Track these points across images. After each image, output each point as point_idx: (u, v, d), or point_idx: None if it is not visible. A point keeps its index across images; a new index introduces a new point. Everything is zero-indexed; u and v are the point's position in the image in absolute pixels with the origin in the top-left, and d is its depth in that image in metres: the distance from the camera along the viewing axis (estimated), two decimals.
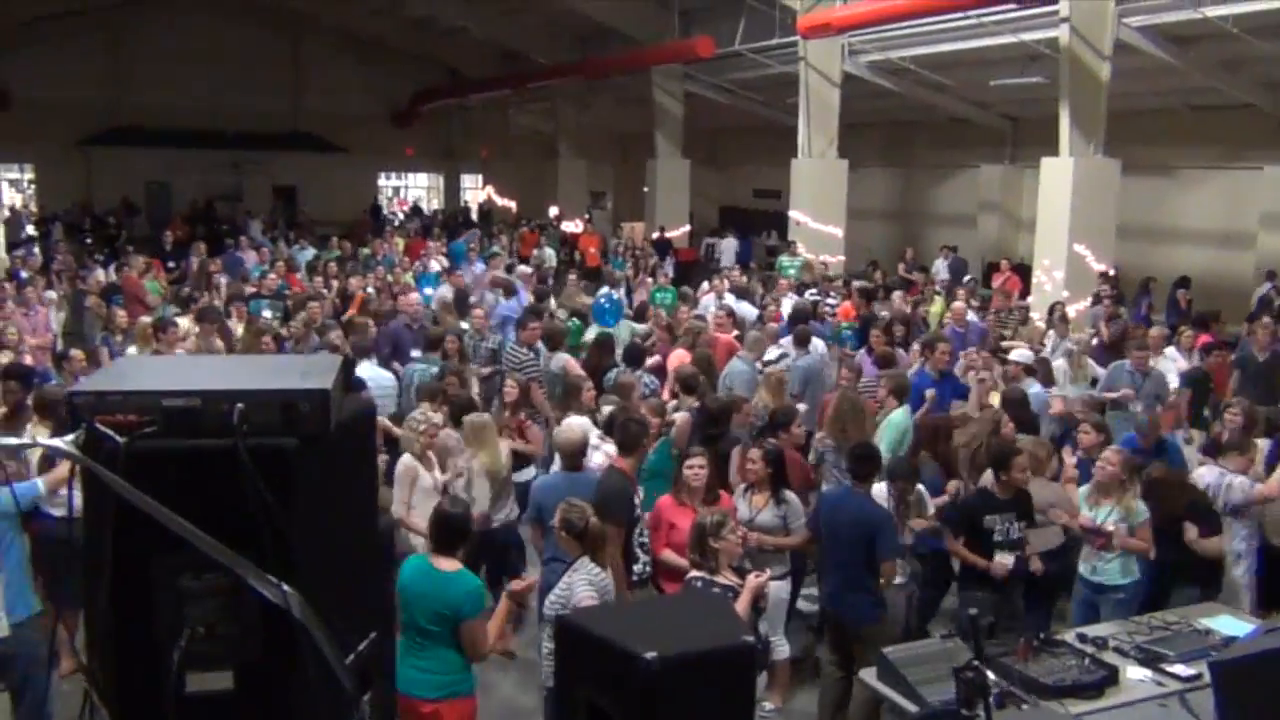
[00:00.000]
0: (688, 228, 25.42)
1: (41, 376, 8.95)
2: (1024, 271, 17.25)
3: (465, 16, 27.64)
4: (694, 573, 5.03)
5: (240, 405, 2.00)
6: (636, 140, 28.70)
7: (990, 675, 4.69)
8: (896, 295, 13.95)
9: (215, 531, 1.98)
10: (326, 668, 2.14)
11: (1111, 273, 15.38)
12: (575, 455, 6.21)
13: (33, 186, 35.18)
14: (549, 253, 21.08)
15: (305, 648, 2.08)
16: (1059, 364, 10.32)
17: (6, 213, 31.48)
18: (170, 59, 32.18)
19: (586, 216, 28.25)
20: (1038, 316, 13.84)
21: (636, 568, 5.83)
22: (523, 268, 16.47)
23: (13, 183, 35.87)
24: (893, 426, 7.81)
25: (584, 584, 4.89)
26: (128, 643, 2.06)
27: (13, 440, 1.91)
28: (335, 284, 14.38)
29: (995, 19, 16.15)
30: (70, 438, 1.96)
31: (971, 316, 12.17)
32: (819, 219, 19.22)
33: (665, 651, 2.62)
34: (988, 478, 6.62)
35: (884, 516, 5.98)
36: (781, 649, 6.19)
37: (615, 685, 2.67)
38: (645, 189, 26.44)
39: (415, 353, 10.22)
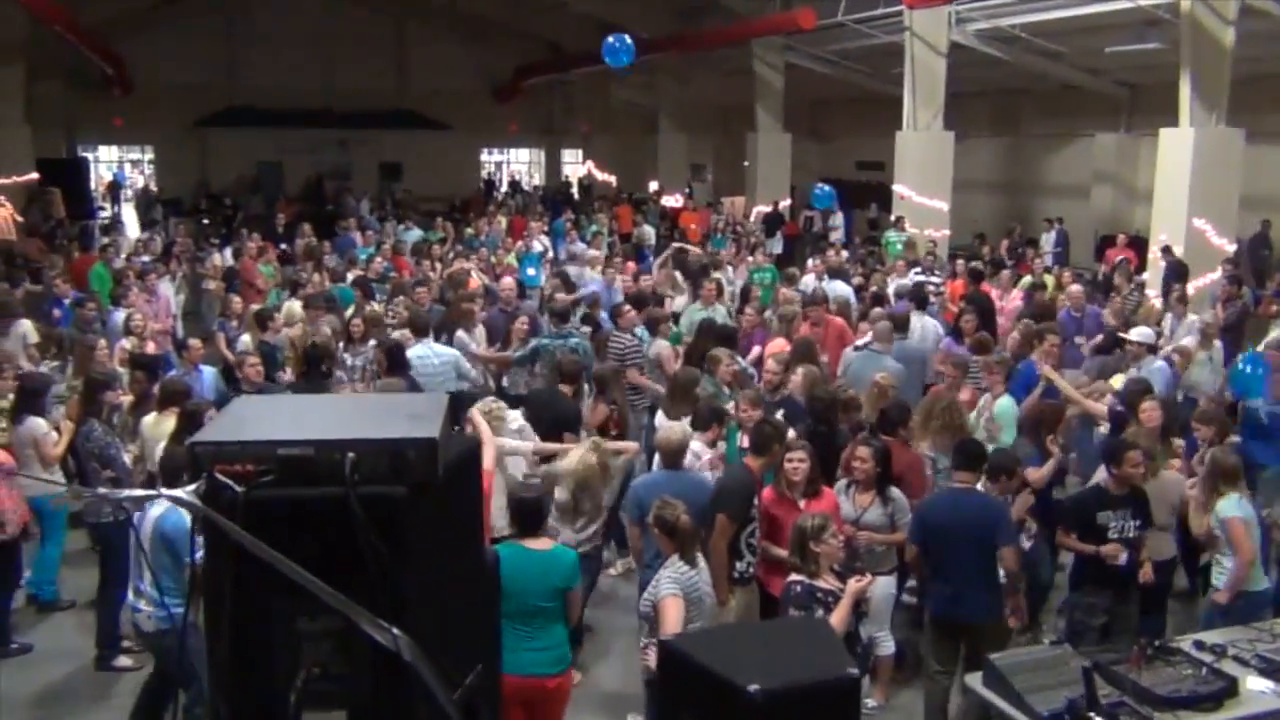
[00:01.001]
0: (789, 201, 25.14)
1: (166, 364, 9.32)
2: (1140, 245, 16.66)
3: None
4: (794, 576, 5.01)
5: (351, 455, 2.06)
6: (737, 113, 28.44)
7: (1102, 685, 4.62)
8: (1005, 274, 13.56)
9: (328, 576, 2.04)
10: (436, 706, 2.19)
11: (1232, 249, 14.76)
12: (675, 455, 6.22)
13: (153, 167, 36.50)
14: (648, 230, 21.03)
15: (415, 688, 2.13)
16: (1187, 343, 9.97)
17: (129, 194, 32.80)
18: (281, 41, 33.02)
19: (687, 191, 28.13)
20: (1154, 294, 13.38)
21: (740, 565, 5.83)
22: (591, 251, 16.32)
23: (134, 164, 37.25)
24: (1002, 417, 7.64)
25: (669, 581, 4.94)
26: (247, 682, 2.14)
27: (139, 493, 2.00)
28: (440, 266, 14.56)
29: None
30: (192, 488, 2.04)
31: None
32: (924, 193, 18.84)
33: (769, 684, 2.61)
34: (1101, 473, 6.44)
35: (1000, 505, 5.90)
36: (886, 645, 6.15)
37: (718, 716, 2.68)
38: (746, 163, 26.21)
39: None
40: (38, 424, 7.27)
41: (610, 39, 15.71)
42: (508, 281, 11.46)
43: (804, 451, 6.03)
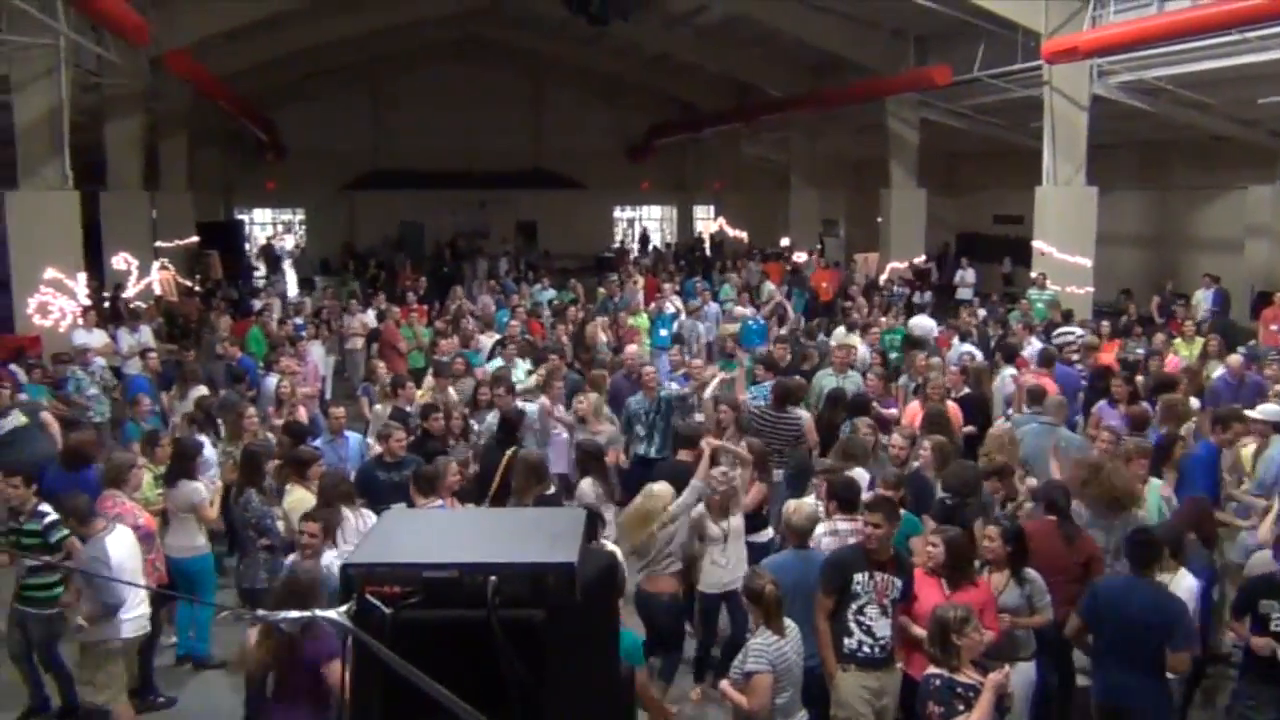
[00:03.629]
0: (923, 258, 24.78)
1: (315, 431, 9.67)
2: None
3: (699, 52, 28.11)
4: (932, 669, 4.88)
5: (493, 579, 2.13)
6: (870, 167, 28.28)
7: None
8: (1159, 337, 13.02)
9: (470, 696, 2.10)
10: None
11: None
12: (804, 536, 6.17)
13: (304, 229, 38.25)
14: (770, 287, 20.77)
15: None
16: None
17: (286, 256, 34.33)
18: (423, 106, 34.46)
19: (818, 247, 27.98)
20: None
21: (849, 642, 5.70)
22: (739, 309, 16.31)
23: (286, 225, 39.08)
24: (1152, 501, 7.30)
25: (757, 655, 5.10)
26: None
27: (294, 614, 2.12)
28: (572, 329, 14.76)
29: (1259, 34, 14.96)
30: (344, 609, 2.14)
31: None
32: (1065, 249, 18.30)
33: None
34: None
35: (1181, 608, 5.65)
36: None
37: None
38: (879, 219, 25.97)
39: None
40: (196, 488, 7.63)
41: None
42: (632, 349, 11.52)
43: (938, 537, 5.88)
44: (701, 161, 37.83)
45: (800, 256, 26.26)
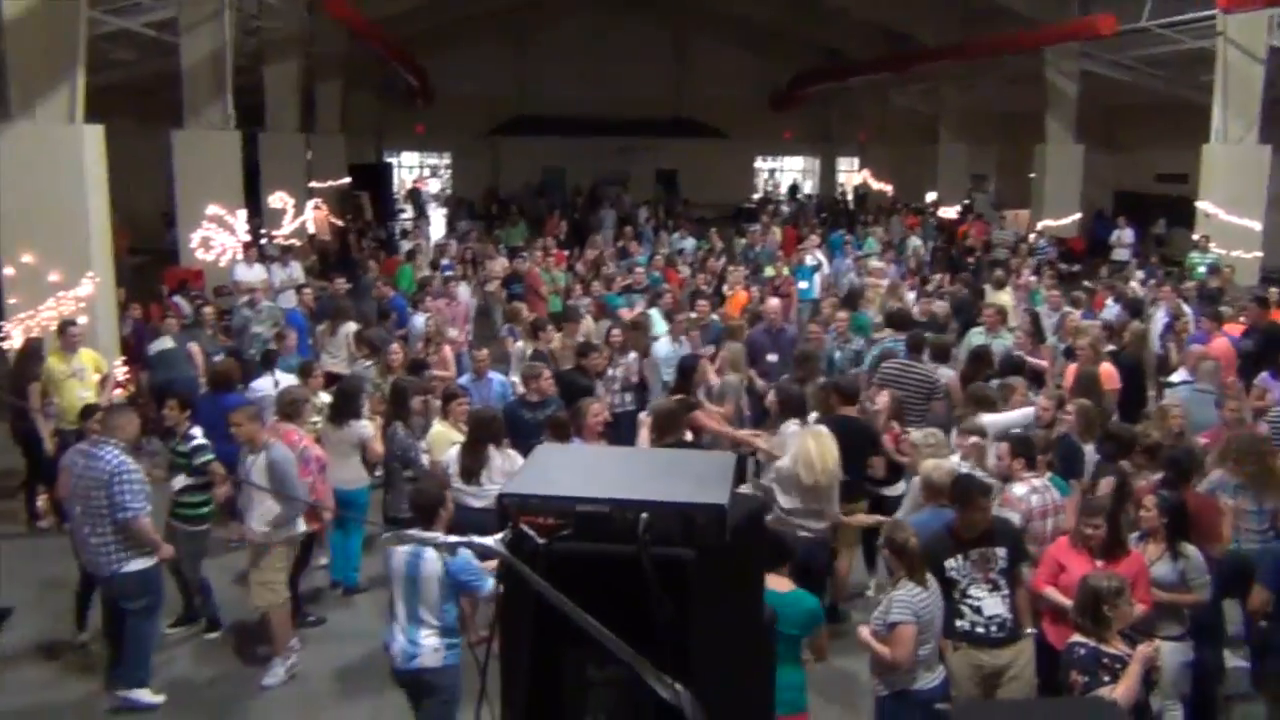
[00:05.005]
0: (1078, 215, 23.81)
1: (460, 370, 9.92)
2: None
3: None
4: (1077, 637, 4.74)
5: (645, 516, 2.14)
6: (1024, 121, 27.17)
7: None
8: None
9: (617, 629, 2.13)
10: None
11: None
12: (942, 493, 6.04)
13: (449, 172, 39.04)
14: (915, 242, 20.30)
15: None
16: None
17: (432, 198, 35.05)
18: (568, 53, 34.59)
19: (966, 201, 27.17)
20: None
21: (960, 624, 5.51)
22: (875, 262, 15.91)
23: (433, 169, 39.95)
24: None
25: (901, 605, 5.06)
26: None
27: (452, 539, 2.17)
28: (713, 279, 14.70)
29: None
30: (499, 537, 2.18)
31: None
32: (1233, 211, 17.33)
33: None
34: None
35: None
36: (1176, 718, 5.71)
37: None
38: (1032, 174, 25.02)
39: (771, 358, 10.24)
40: (364, 426, 7.97)
41: None
42: (773, 303, 11.36)
43: (1100, 517, 5.67)
44: (847, 112, 37.02)
45: (948, 211, 25.58)
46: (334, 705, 6.74)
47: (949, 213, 26.84)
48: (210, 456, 7.20)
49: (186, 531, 7.28)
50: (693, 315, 11.03)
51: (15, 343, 10.54)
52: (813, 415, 8.31)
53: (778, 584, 4.92)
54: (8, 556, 8.53)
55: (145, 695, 6.58)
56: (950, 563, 5.53)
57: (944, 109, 29.37)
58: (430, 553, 5.23)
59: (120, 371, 10.79)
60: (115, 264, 11.81)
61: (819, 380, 8.83)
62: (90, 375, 9.64)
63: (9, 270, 10.77)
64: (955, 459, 6.67)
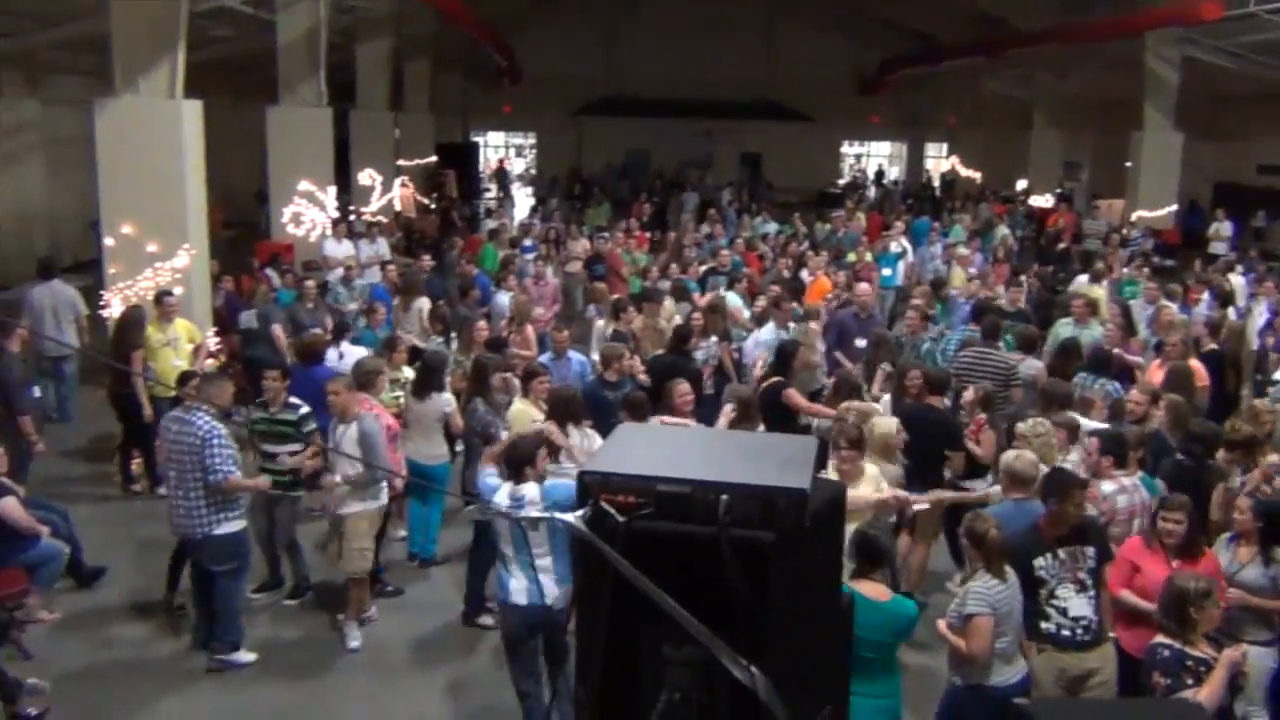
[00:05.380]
0: (1174, 206, 23.11)
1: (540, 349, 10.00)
2: None
3: None
4: (1160, 639, 4.63)
5: (725, 497, 2.15)
6: (1121, 108, 26.41)
7: None
8: None
9: (695, 609, 2.15)
10: None
11: None
12: (1026, 485, 5.93)
13: (534, 152, 39.33)
14: (1003, 231, 19.88)
15: None
16: None
17: (514, 176, 35.31)
18: (655, 34, 34.54)
19: (1058, 190, 26.54)
20: None
21: (1046, 626, 5.33)
22: (962, 250, 15.60)
23: (518, 149, 40.28)
24: None
25: (977, 597, 4.97)
26: (613, 696, 2.30)
27: (535, 514, 2.19)
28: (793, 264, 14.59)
29: None
30: (580, 513, 2.21)
31: None
32: None
33: None
34: None
35: None
36: None
37: None
38: (1128, 163, 24.33)
39: (860, 343, 10.14)
40: (446, 399, 8.11)
41: None
42: (864, 287, 11.23)
43: (1183, 512, 5.52)
44: (936, 97, 36.40)
45: (1038, 200, 25.02)
46: (409, 673, 6.88)
47: (1040, 201, 26.23)
48: (315, 425, 7.42)
49: (281, 498, 7.51)
50: (795, 306, 10.95)
51: (114, 311, 10.90)
52: (885, 399, 8.24)
53: (876, 591, 4.77)
54: (102, 518, 8.85)
55: (240, 655, 6.80)
56: (1040, 561, 5.35)
57: (1038, 95, 28.68)
58: (528, 490, 5.54)
59: (212, 341, 11.09)
60: (210, 237, 12.11)
61: (884, 365, 8.84)
62: (184, 344, 9.93)
63: (109, 241, 11.11)
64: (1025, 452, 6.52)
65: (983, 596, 4.98)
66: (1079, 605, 5.33)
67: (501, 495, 5.64)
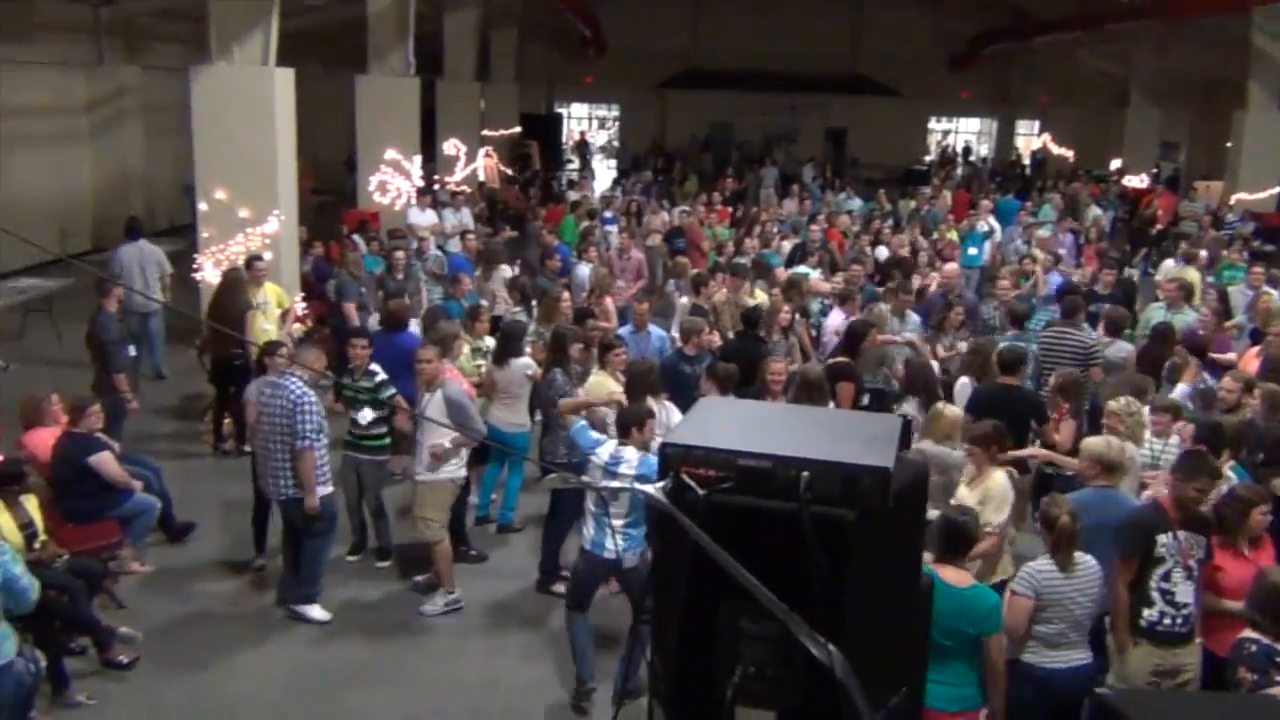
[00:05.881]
0: (1276, 189, 22.28)
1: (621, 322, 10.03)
2: None
3: None
4: (1248, 633, 4.51)
5: (806, 474, 2.13)
6: (1223, 87, 25.50)
7: None
8: None
9: (773, 584, 2.14)
10: None
11: None
12: (1111, 471, 5.79)
13: (616, 124, 39.28)
14: (1096, 211, 19.35)
15: (843, 704, 2.19)
16: None
17: (596, 149, 35.29)
18: (742, 6, 34.11)
19: (1154, 171, 25.76)
20: None
21: (1148, 613, 5.20)
22: (1042, 232, 15.19)
23: (600, 121, 40.27)
24: None
25: (1025, 579, 4.99)
26: (689, 669, 2.31)
27: (613, 484, 2.20)
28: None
29: None
30: (659, 486, 2.22)
31: None
32: None
33: None
34: None
35: None
36: None
37: None
38: (1229, 144, 23.52)
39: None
40: (526, 362, 8.21)
41: None
42: (951, 267, 11.04)
43: (1268, 505, 5.36)
44: (1029, 72, 35.44)
45: (1133, 180, 24.31)
46: (487, 635, 7.01)
47: (1135, 181, 25.49)
48: (394, 391, 7.59)
49: (370, 461, 7.71)
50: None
51: (207, 275, 11.18)
52: (963, 380, 8.09)
53: (957, 578, 4.72)
54: (192, 476, 9.12)
55: (315, 610, 6.99)
56: (1163, 538, 5.22)
57: (1135, 71, 27.78)
58: (628, 454, 5.91)
59: (300, 306, 11.32)
60: (299, 204, 12.34)
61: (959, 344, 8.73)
62: (273, 309, 10.16)
63: (203, 205, 11.38)
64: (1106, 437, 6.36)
65: (1029, 579, 4.96)
66: (1186, 592, 5.22)
67: (604, 450, 6.00)
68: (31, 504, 6.37)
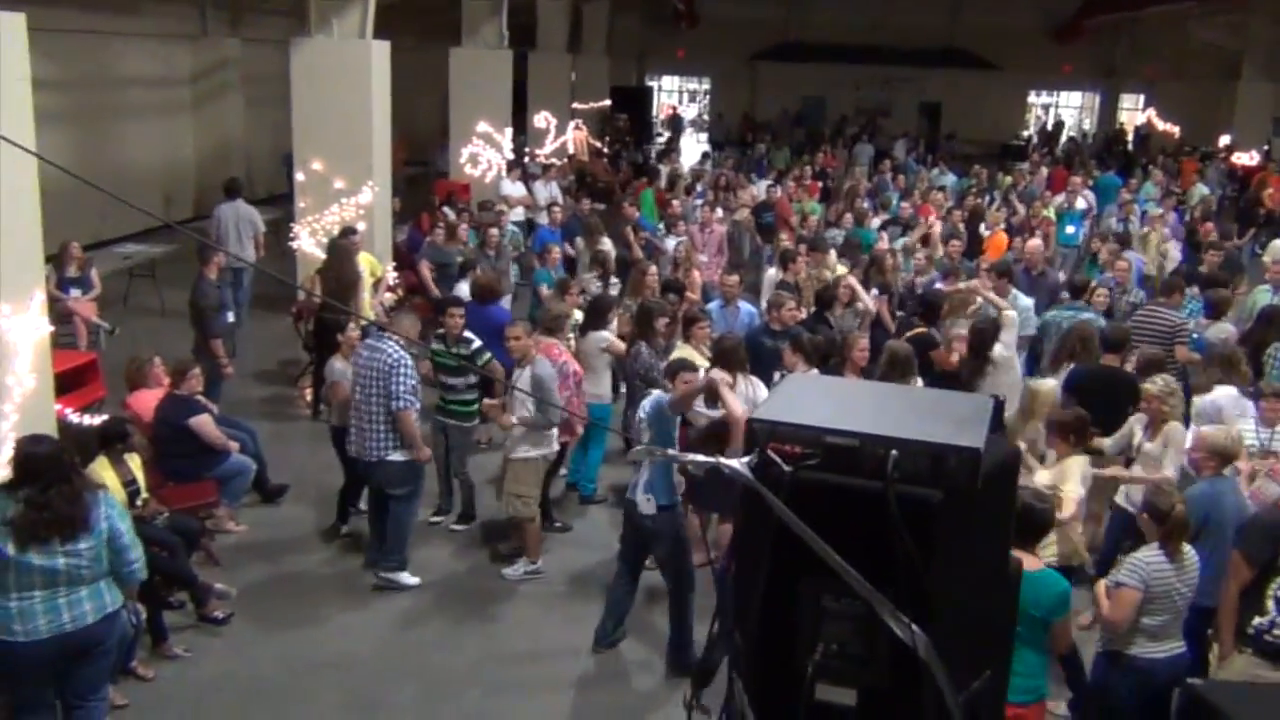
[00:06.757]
0: None
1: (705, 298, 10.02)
2: None
3: None
4: None
5: (894, 453, 2.10)
6: None
7: None
8: None
9: (857, 563, 2.11)
10: (943, 702, 2.21)
11: None
12: (1227, 459, 5.59)
13: (707, 98, 39.03)
14: (1202, 189, 18.67)
15: (926, 685, 2.16)
16: None
17: (686, 122, 35.09)
18: None
19: (1265, 148, 24.75)
20: None
21: (1259, 621, 4.87)
22: (1155, 209, 14.68)
23: (691, 94, 40.03)
24: None
25: (1131, 569, 4.84)
26: (770, 644, 2.30)
27: (699, 458, 2.21)
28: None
29: None
30: (746, 459, 2.21)
31: None
32: None
33: None
34: None
35: None
36: None
37: None
38: None
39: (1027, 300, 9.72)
40: (604, 335, 8.30)
41: None
42: (1034, 244, 10.79)
43: None
44: (1136, 44, 34.26)
45: (1243, 158, 23.40)
46: (569, 603, 7.07)
47: (1244, 159, 24.54)
48: (490, 356, 7.72)
49: (459, 427, 7.86)
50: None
51: (303, 244, 11.42)
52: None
53: (1028, 563, 4.45)
54: (288, 441, 9.36)
55: (404, 576, 7.13)
56: None
57: (1251, 43, 26.69)
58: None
59: (392, 276, 11.51)
60: (393, 175, 12.52)
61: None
62: (367, 278, 10.34)
63: (300, 175, 11.62)
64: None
65: (1138, 569, 4.82)
66: None
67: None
68: (135, 462, 6.59)
